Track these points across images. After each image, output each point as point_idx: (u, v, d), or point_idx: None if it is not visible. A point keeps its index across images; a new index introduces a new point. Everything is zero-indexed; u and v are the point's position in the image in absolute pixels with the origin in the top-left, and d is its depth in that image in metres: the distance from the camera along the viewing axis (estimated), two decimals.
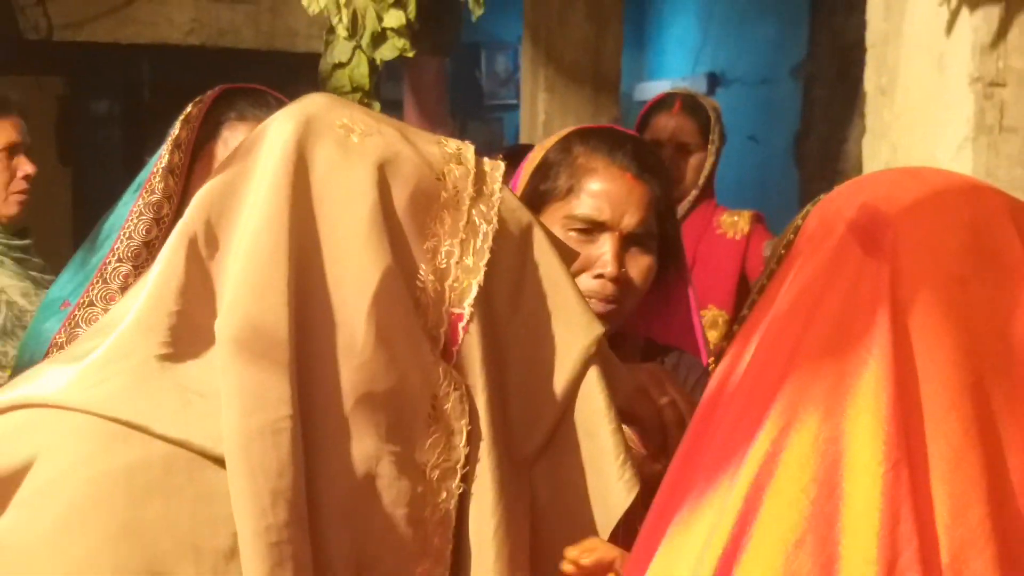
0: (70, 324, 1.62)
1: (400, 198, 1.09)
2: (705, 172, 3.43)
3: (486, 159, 1.17)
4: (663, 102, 3.54)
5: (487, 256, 1.11)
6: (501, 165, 1.17)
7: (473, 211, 1.12)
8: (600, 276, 1.62)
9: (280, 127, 1.10)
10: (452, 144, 1.17)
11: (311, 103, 1.14)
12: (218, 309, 1.05)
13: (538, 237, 1.18)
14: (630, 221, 1.62)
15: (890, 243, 0.86)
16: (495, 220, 1.13)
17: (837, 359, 0.83)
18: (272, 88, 1.76)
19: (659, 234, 1.69)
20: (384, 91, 6.71)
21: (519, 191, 1.68)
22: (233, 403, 1.00)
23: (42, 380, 1.06)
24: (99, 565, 0.96)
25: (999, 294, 0.85)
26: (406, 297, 1.07)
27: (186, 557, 0.97)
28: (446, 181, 1.12)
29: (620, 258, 1.61)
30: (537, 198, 1.65)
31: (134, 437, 1.00)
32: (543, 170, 1.68)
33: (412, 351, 1.07)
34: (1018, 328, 0.85)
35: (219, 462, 1.00)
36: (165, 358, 1.04)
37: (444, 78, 6.11)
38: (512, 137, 8.09)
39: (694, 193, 3.44)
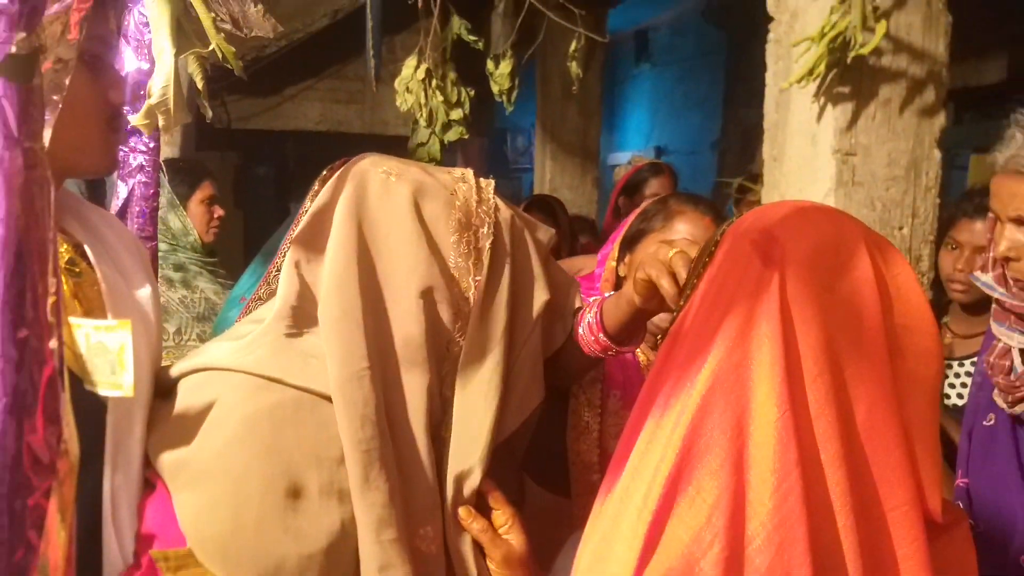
0: (246, 313, 1.63)
1: (429, 211, 1.07)
2: None
3: (481, 179, 1.14)
4: (652, 169, 3.49)
5: (491, 238, 1.08)
6: (491, 182, 1.14)
7: (479, 211, 1.09)
8: None
9: (345, 181, 1.09)
10: (457, 171, 1.14)
11: (362, 162, 1.12)
12: (319, 303, 1.05)
13: (517, 223, 1.14)
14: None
15: (779, 259, 0.82)
16: (492, 216, 1.10)
17: (745, 337, 0.80)
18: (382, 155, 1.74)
19: None
20: (447, 160, 6.73)
21: (624, 229, 1.63)
22: (334, 360, 1.00)
23: (216, 352, 1.07)
24: (251, 472, 0.96)
25: (853, 298, 0.82)
26: (441, 277, 1.05)
27: (311, 464, 0.97)
28: (457, 195, 1.09)
29: None
30: (639, 232, 1.61)
31: (274, 387, 1.00)
32: (643, 215, 1.63)
33: (446, 311, 1.05)
34: (865, 323, 0.81)
35: (330, 400, 1.00)
36: (290, 336, 1.05)
37: (484, 150, 6.11)
38: (527, 190, 8.09)
39: None
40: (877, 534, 0.77)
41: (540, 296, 1.13)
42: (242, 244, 5.47)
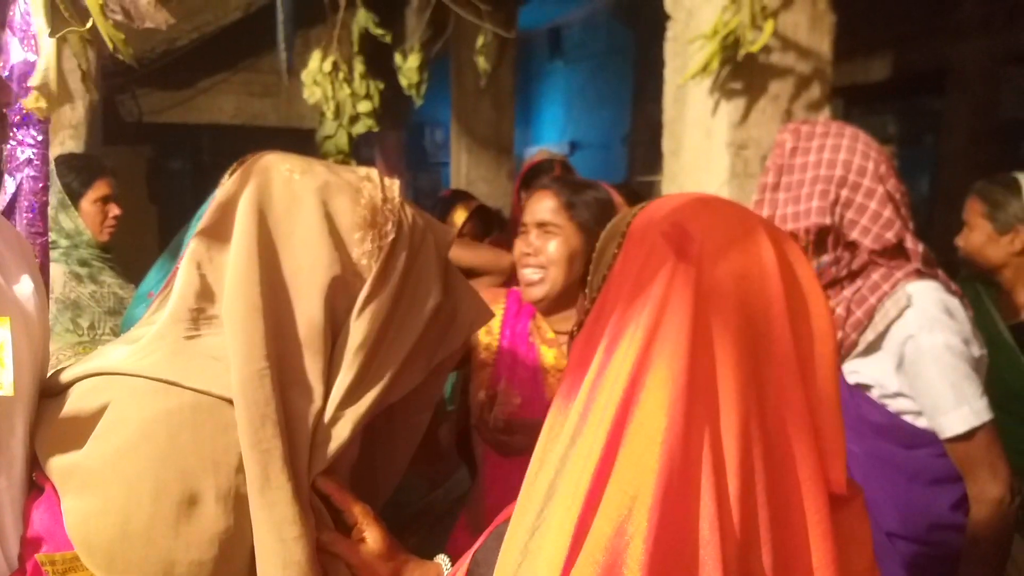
0: (152, 310, 1.56)
1: (334, 207, 1.05)
2: None
3: (386, 178, 1.12)
4: (543, 166, 3.50)
5: (392, 235, 1.06)
6: (396, 181, 1.12)
7: (384, 209, 1.07)
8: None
9: (247, 178, 1.06)
10: (362, 170, 1.11)
11: (264, 159, 1.09)
12: (223, 301, 1.02)
13: (419, 223, 1.12)
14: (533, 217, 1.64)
15: (696, 252, 0.83)
16: (396, 215, 1.08)
17: (656, 331, 0.80)
18: (290, 153, 1.70)
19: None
20: (363, 153, 6.63)
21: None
22: (235, 359, 0.97)
23: (111, 355, 1.02)
24: (144, 478, 0.92)
25: (762, 284, 0.83)
26: (344, 272, 1.03)
27: (208, 470, 0.94)
28: (362, 193, 1.07)
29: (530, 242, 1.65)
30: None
31: (171, 390, 0.96)
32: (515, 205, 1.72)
33: (346, 305, 1.03)
34: (772, 310, 0.82)
35: (231, 403, 0.97)
36: (189, 337, 1.01)
37: (401, 144, 6.05)
38: (447, 183, 8.05)
39: None
40: (786, 507, 0.79)
41: (433, 297, 1.12)
42: (157, 240, 5.29)
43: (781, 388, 0.81)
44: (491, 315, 1.23)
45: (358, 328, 1.03)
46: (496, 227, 4.17)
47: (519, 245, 1.67)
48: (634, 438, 0.76)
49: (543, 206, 1.65)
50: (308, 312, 1.01)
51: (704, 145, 2.19)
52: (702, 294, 0.81)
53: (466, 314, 1.18)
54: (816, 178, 1.65)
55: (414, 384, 1.10)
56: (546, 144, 7.90)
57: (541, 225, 1.63)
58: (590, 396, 0.81)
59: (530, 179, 3.47)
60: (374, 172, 1.12)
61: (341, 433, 1.00)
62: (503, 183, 5.24)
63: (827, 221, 1.63)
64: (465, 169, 5.18)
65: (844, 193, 1.64)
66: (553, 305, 1.64)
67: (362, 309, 1.03)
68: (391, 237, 1.06)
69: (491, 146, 5.19)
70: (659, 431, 0.75)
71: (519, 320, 1.69)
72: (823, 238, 1.66)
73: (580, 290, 1.00)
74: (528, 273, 1.64)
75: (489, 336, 1.67)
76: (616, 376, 0.79)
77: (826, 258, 1.66)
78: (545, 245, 1.62)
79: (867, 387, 1.70)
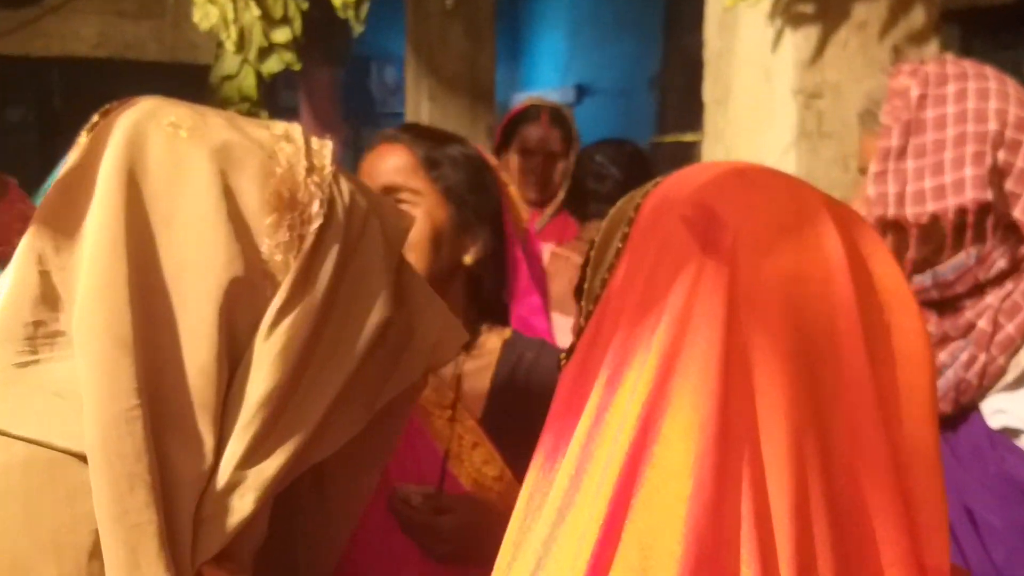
0: None
1: (236, 181, 1.05)
2: (568, 177, 3.45)
3: (313, 138, 1.12)
4: (529, 114, 3.53)
5: (320, 221, 1.06)
6: (328, 143, 1.12)
7: (308, 184, 1.07)
8: None
9: (110, 135, 1.06)
10: (279, 126, 1.11)
11: (139, 109, 1.09)
12: (73, 313, 1.01)
13: (362, 203, 1.13)
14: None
15: (729, 245, 0.83)
16: (327, 191, 1.08)
17: (676, 355, 0.80)
18: (175, 98, 1.70)
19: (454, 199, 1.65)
20: (282, 99, 6.61)
21: None
22: (92, 397, 0.96)
23: None
24: None
25: (826, 289, 0.84)
26: (249, 274, 1.03)
27: (47, 555, 0.93)
28: (278, 160, 1.07)
29: None
30: None
31: None
32: None
33: (250, 319, 1.03)
34: (839, 323, 0.83)
35: (82, 459, 0.96)
36: (24, 365, 1.00)
37: (336, 87, 6.05)
38: None
39: (561, 196, 3.45)
40: None
41: (379, 309, 1.11)
42: None
43: (853, 436, 0.81)
44: (463, 336, 1.23)
45: (267, 352, 1.03)
46: None
47: None
48: (646, 510, 0.77)
49: (389, 164, 1.62)
50: (196, 329, 1.01)
51: (761, 92, 2.20)
52: (738, 304, 0.81)
53: (427, 333, 1.19)
54: (963, 136, 1.62)
55: (351, 434, 1.10)
56: (542, 90, 7.90)
57: (388, 191, 1.60)
58: (584, 451, 0.82)
59: (508, 135, 3.48)
60: (296, 129, 1.13)
61: (242, 504, 1.00)
62: (480, 143, 5.24)
63: (988, 196, 1.60)
64: (427, 123, 5.18)
65: (1001, 156, 1.63)
66: None
67: (274, 325, 1.03)
68: (318, 223, 1.06)
69: (464, 90, 5.20)
70: (681, 499, 0.76)
71: None
72: (970, 222, 1.62)
73: (576, 302, 1.01)
74: None
75: None
76: (621, 422, 0.80)
77: (962, 256, 1.64)
78: None
79: (1017, 433, 1.69)
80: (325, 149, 1.12)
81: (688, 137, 4.56)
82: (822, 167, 2.17)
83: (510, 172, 3.38)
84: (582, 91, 8.21)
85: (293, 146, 1.10)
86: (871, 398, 0.82)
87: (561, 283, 3.04)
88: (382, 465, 1.23)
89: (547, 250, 3.14)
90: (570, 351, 0.94)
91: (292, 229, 1.06)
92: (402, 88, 6.50)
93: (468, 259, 1.65)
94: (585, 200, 3.34)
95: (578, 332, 0.94)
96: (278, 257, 1.05)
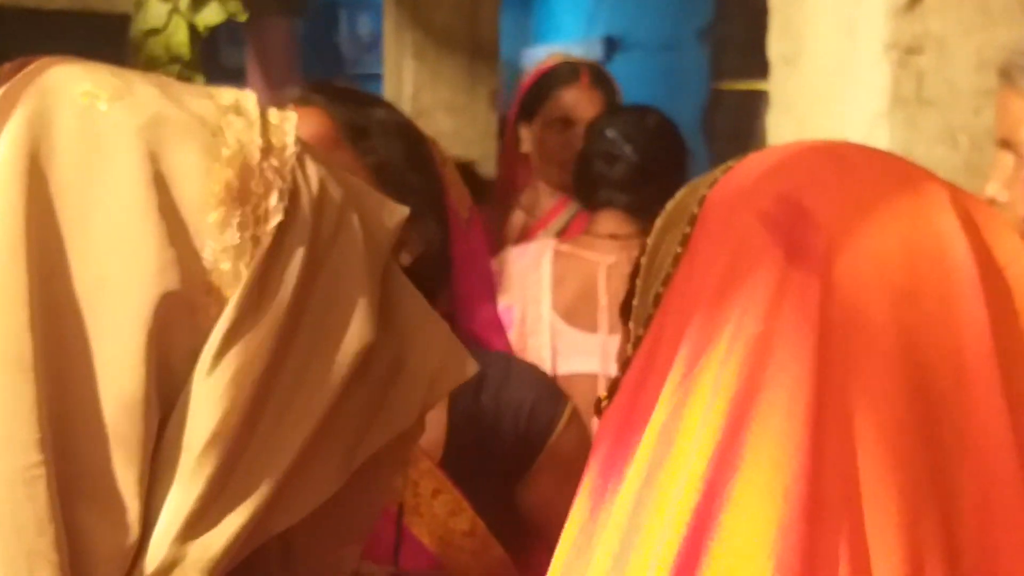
0: None
1: (171, 167, 1.05)
2: None
3: (273, 109, 1.12)
4: (562, 74, 3.53)
5: (280, 217, 1.05)
6: (292, 116, 1.11)
7: (264, 168, 1.07)
8: None
9: (5, 109, 1.05)
10: (227, 95, 1.11)
11: (46, 73, 1.08)
12: None
13: (335, 193, 1.12)
14: None
15: (822, 252, 0.84)
16: (289, 178, 1.08)
17: (757, 382, 0.81)
18: (88, 57, 1.71)
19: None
20: (224, 58, 6.64)
21: None
22: None
23: None
24: None
25: (949, 309, 0.84)
26: (186, 286, 1.03)
27: None
28: (225, 136, 1.07)
29: None
30: None
31: None
32: None
33: (189, 342, 1.03)
34: (967, 353, 0.83)
35: None
36: None
37: (294, 42, 6.07)
38: None
39: None
40: None
41: (358, 334, 1.11)
42: None
43: (986, 507, 0.81)
44: (471, 366, 1.23)
45: (211, 389, 1.02)
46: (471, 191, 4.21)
47: None
48: (723, 558, 0.78)
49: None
50: (118, 360, 1.00)
51: (843, 47, 2.20)
52: (834, 329, 0.81)
53: (423, 363, 1.18)
54: None
55: (325, 495, 1.10)
56: (560, 44, 7.92)
57: None
58: (632, 523, 0.82)
59: (535, 101, 3.49)
60: (248, 98, 1.12)
61: None
62: (481, 113, 5.26)
63: None
64: (412, 89, 5.20)
65: None
66: None
67: (219, 355, 1.03)
68: (276, 220, 1.06)
69: (459, 47, 5.21)
70: (765, 552, 0.77)
71: None
72: None
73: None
74: None
75: None
76: (680, 483, 0.81)
77: None
78: None
79: None
80: (287, 124, 1.12)
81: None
82: (922, 143, 2.17)
83: (538, 147, 3.40)
84: (612, 45, 8.21)
85: (244, 120, 1.09)
86: (1011, 455, 0.82)
87: (570, 288, 3.05)
88: (364, 537, 1.23)
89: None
90: (612, 389, 0.94)
91: (244, 229, 1.05)
92: (379, 43, 6.50)
93: (405, 258, 1.64)
94: (593, 186, 3.27)
95: (624, 363, 0.94)
96: (225, 265, 1.05)
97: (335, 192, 1.12)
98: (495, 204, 3.70)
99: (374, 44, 8.96)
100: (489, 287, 1.90)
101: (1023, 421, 0.83)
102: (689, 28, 7.37)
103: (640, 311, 0.95)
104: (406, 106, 5.14)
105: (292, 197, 1.07)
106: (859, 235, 0.84)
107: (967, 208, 0.88)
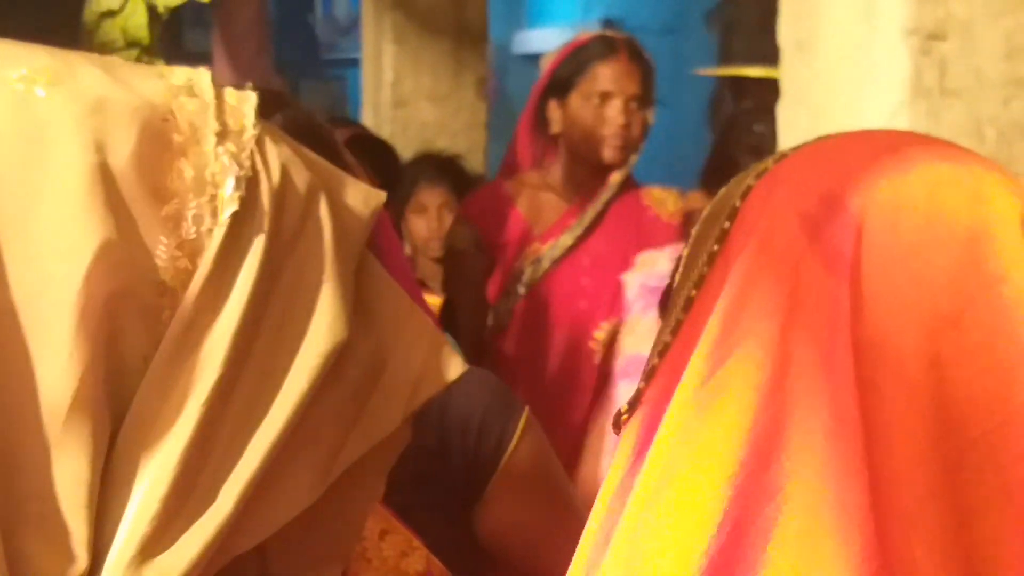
0: None
1: (118, 156, 1.04)
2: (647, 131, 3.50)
3: (230, 89, 1.12)
4: (599, 48, 3.56)
5: (235, 206, 1.05)
6: (251, 96, 1.10)
7: (220, 154, 1.06)
8: None
9: None
10: (180, 74, 1.09)
11: None
12: None
13: (301, 178, 1.12)
14: None
15: (852, 255, 0.82)
16: (248, 163, 1.07)
17: (782, 428, 0.81)
18: (36, 42, 1.70)
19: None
20: (188, 42, 6.63)
21: None
22: None
23: None
24: None
25: (996, 342, 0.81)
26: (136, 284, 1.03)
27: None
28: (176, 120, 1.06)
29: None
30: None
31: None
32: None
33: (141, 343, 1.02)
34: (1017, 392, 0.80)
35: None
36: None
37: (265, 24, 6.07)
38: (357, 100, 8.08)
39: (634, 160, 3.49)
40: None
41: (329, 332, 1.10)
42: None
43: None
44: (458, 365, 1.22)
45: (159, 395, 1.03)
46: (454, 189, 4.21)
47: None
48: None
49: None
50: (61, 371, 1.00)
51: (860, 32, 2.21)
52: (864, 346, 0.80)
53: (405, 364, 1.17)
54: None
55: (299, 508, 1.09)
56: (554, 28, 7.94)
57: None
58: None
59: (570, 76, 3.50)
60: (202, 77, 1.11)
61: None
62: (467, 103, 5.27)
63: None
64: (391, 75, 5.20)
65: None
66: None
67: (172, 360, 1.03)
68: (231, 209, 1.05)
69: (444, 31, 5.22)
70: None
71: None
72: None
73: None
74: None
75: None
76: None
77: None
78: None
79: None
80: (245, 104, 1.10)
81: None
82: (945, 136, 2.16)
83: (574, 124, 3.42)
84: (611, 29, 8.23)
85: (198, 102, 1.08)
86: None
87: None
88: (346, 556, 1.22)
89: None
90: (633, 403, 0.93)
91: (199, 222, 1.05)
92: (358, 27, 6.51)
93: None
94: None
95: (648, 374, 0.93)
96: (181, 263, 1.04)
97: (300, 178, 1.11)
98: (506, 184, 3.73)
99: (352, 27, 8.98)
100: (412, 283, 1.90)
101: None
102: (694, 10, 7.39)
103: (668, 317, 0.94)
104: (386, 94, 5.15)
105: (249, 185, 1.06)
106: (903, 248, 0.83)
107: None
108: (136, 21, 2.56)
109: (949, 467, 0.80)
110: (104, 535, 1.00)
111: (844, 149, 0.92)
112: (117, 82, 1.08)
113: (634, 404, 0.93)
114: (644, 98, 3.46)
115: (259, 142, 1.09)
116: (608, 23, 8.28)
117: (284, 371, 1.08)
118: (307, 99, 9.18)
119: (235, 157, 1.06)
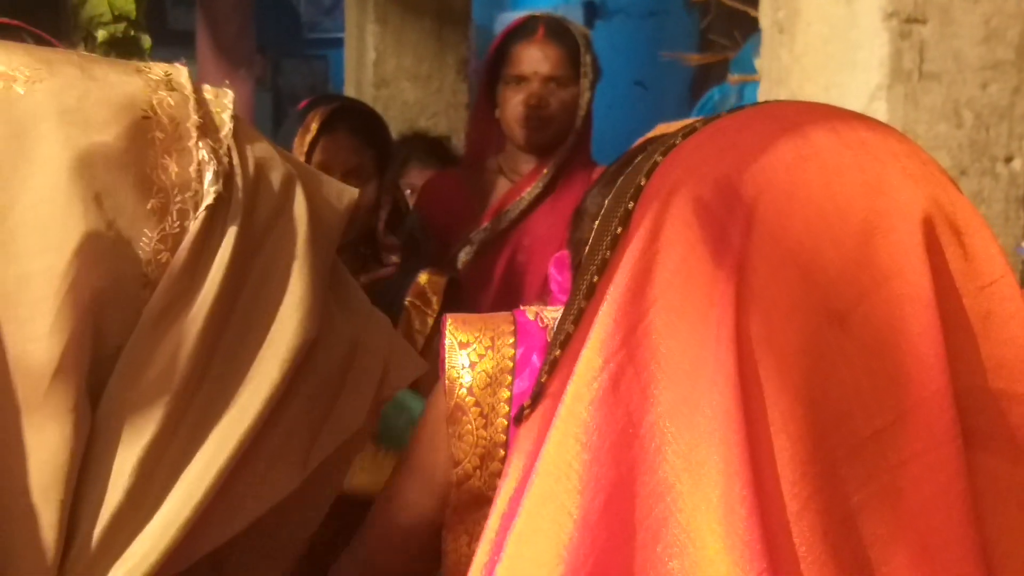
0: None
1: (98, 151, 1.04)
2: (581, 112, 3.45)
3: (207, 85, 1.12)
4: (523, 28, 3.55)
5: (212, 198, 1.05)
6: (228, 92, 1.12)
7: (200, 148, 1.07)
8: None
9: None
10: (158, 69, 1.10)
11: None
12: None
13: (275, 171, 1.13)
14: None
15: (741, 248, 0.81)
16: (225, 158, 1.08)
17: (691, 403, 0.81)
18: (21, 18, 1.69)
19: None
20: (172, 20, 6.60)
21: None
22: None
23: None
24: None
25: (885, 338, 0.81)
26: (123, 281, 1.03)
27: None
28: (158, 115, 1.07)
29: None
30: None
31: None
32: None
33: (120, 328, 1.03)
34: (913, 392, 0.80)
35: None
36: None
37: (247, 3, 6.05)
38: (339, 80, 8.05)
39: (572, 139, 3.45)
40: None
41: (300, 327, 1.10)
42: None
43: (924, 528, 0.81)
44: (420, 364, 1.22)
45: (128, 383, 1.03)
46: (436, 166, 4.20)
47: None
48: None
49: None
50: (42, 368, 1.00)
51: (840, 15, 2.21)
52: (748, 346, 0.80)
53: (372, 360, 1.19)
54: None
55: (267, 505, 1.10)
56: (540, 8, 7.92)
57: None
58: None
59: (499, 60, 3.50)
60: (180, 72, 1.12)
61: None
62: (449, 83, 5.26)
63: None
64: (374, 55, 5.19)
65: None
66: None
67: (139, 344, 1.03)
68: (208, 201, 1.06)
69: (426, 10, 5.21)
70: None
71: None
72: None
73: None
74: None
75: (488, 426, 1.63)
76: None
77: None
78: None
79: None
80: (224, 99, 1.12)
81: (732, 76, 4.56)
82: (924, 120, 2.18)
83: (506, 117, 3.42)
84: (593, 10, 8.23)
85: (178, 96, 1.09)
86: (961, 503, 0.80)
87: None
88: (304, 544, 1.22)
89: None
90: (535, 397, 0.92)
91: (183, 216, 1.06)
92: (340, 6, 6.48)
93: None
94: None
95: (550, 366, 0.92)
96: (163, 257, 1.05)
97: (275, 174, 1.12)
98: (465, 169, 3.72)
99: (335, 6, 8.95)
100: None
101: (984, 471, 0.81)
102: None
103: (567, 312, 0.93)
104: (368, 74, 5.14)
105: (226, 180, 1.07)
106: (794, 241, 0.81)
107: (944, 210, 0.83)
108: (122, 3, 2.55)
109: (836, 465, 0.80)
110: (77, 525, 1.00)
111: (747, 127, 0.89)
112: (95, 79, 1.08)
113: (537, 398, 0.92)
114: (565, 78, 3.43)
115: (236, 137, 1.10)
116: (590, 5, 8.28)
117: (255, 362, 1.08)
118: (289, 78, 9.16)
119: (214, 152, 1.07)
